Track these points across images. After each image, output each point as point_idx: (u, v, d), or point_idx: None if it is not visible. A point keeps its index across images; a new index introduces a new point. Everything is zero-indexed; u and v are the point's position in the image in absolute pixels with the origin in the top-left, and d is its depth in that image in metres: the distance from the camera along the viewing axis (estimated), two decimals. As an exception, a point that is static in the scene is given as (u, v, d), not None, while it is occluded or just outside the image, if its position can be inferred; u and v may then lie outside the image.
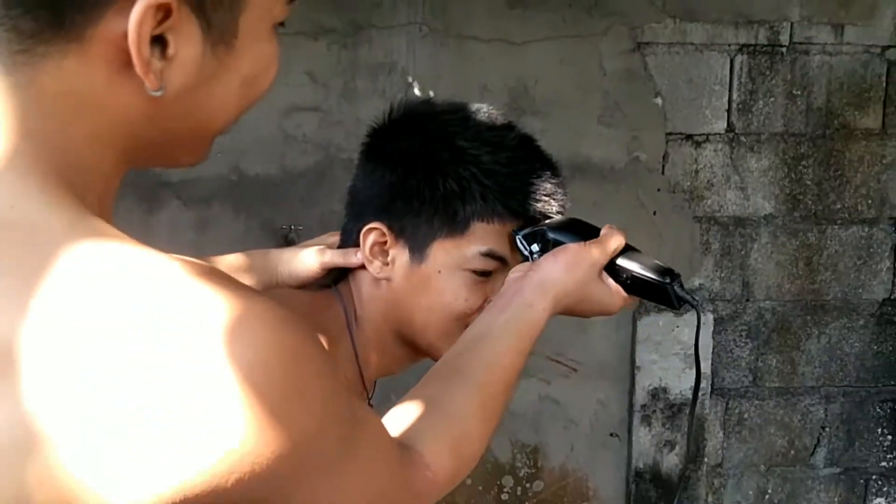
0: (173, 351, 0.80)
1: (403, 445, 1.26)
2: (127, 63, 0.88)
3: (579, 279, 1.57)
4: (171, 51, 0.89)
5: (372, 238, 1.70)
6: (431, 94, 4.03)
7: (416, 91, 4.04)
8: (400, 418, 1.36)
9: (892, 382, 4.38)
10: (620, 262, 1.64)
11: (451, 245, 1.72)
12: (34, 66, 0.88)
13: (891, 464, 4.44)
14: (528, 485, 4.36)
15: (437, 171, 1.69)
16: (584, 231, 1.67)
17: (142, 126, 0.96)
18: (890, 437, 4.41)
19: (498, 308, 1.53)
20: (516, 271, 1.63)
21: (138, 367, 0.79)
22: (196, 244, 4.04)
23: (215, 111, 1.01)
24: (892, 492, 4.47)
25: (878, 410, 4.39)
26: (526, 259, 1.68)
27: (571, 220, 1.73)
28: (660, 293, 1.65)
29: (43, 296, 0.81)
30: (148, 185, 3.98)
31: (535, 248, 1.68)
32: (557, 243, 1.67)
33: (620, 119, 4.10)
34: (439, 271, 1.73)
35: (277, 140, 4.04)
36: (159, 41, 0.87)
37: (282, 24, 1.03)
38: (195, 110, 0.99)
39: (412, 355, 1.87)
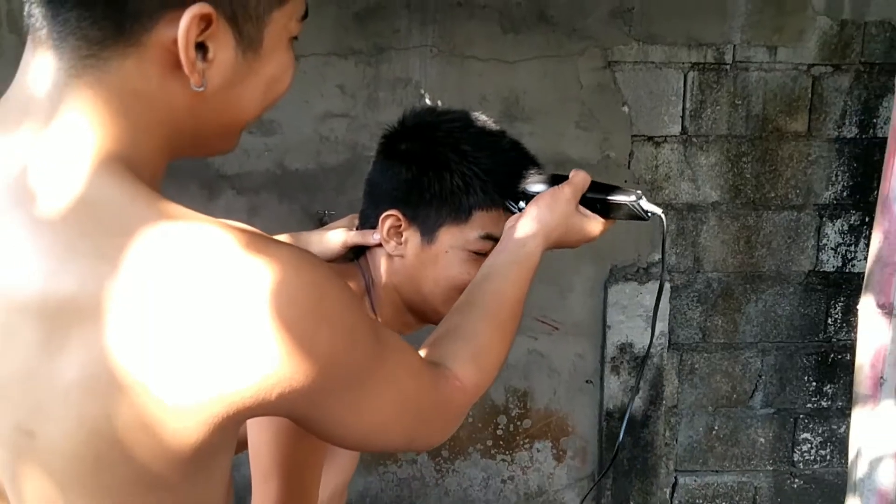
0: (220, 296, 0.88)
1: (433, 363, 1.31)
2: (175, 64, 0.97)
3: (560, 214, 1.61)
4: (210, 54, 0.98)
5: (389, 223, 1.78)
6: (439, 103, 4.15)
7: (427, 101, 4.18)
8: (428, 347, 1.40)
9: (816, 338, 4.56)
10: (591, 194, 1.69)
11: (456, 230, 1.80)
12: (100, 68, 0.95)
13: (815, 405, 4.63)
14: (518, 423, 4.55)
15: (445, 169, 1.76)
16: (557, 180, 1.72)
17: (185, 117, 1.04)
18: (815, 384, 4.61)
19: (497, 252, 1.59)
20: (510, 222, 1.69)
21: (195, 309, 0.87)
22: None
23: (245, 106, 1.09)
24: (816, 428, 4.66)
25: (805, 361, 4.58)
26: None
27: (546, 175, 1.80)
28: (629, 210, 1.70)
29: (114, 255, 0.88)
30: (209, 177, 4.15)
31: (521, 204, 1.75)
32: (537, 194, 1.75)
33: (594, 124, 4.26)
34: (446, 251, 1.81)
35: (314, 141, 4.21)
36: (201, 47, 0.96)
37: (295, 37, 1.13)
38: (229, 105, 1.07)
39: (418, 320, 1.97)
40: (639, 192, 1.71)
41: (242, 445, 1.82)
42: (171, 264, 0.88)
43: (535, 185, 1.77)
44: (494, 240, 1.81)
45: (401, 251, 1.80)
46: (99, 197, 0.91)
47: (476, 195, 1.80)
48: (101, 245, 0.88)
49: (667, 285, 4.41)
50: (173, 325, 0.86)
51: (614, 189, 1.72)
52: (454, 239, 1.82)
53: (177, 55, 0.94)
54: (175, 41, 0.93)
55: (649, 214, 1.69)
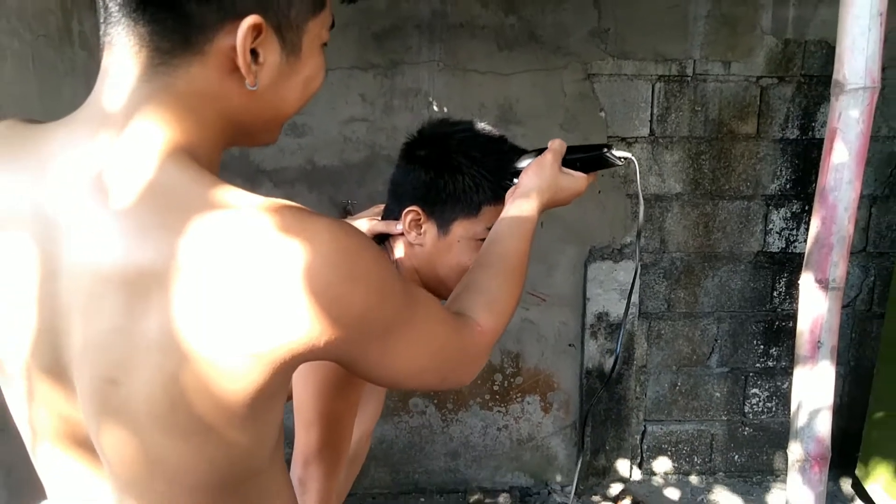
0: (270, 261, 0.89)
1: (456, 313, 1.30)
2: (232, 68, 0.99)
3: (546, 177, 1.59)
4: (261, 59, 1.01)
5: (410, 217, 1.78)
6: (445, 109, 4.29)
7: (435, 107, 4.30)
8: (449, 303, 1.39)
9: (764, 309, 4.69)
10: (570, 156, 1.68)
11: (468, 223, 1.81)
12: (169, 74, 0.97)
13: (763, 365, 4.77)
14: (511, 380, 4.70)
15: (458, 172, 1.76)
16: (540, 152, 1.71)
17: (240, 112, 1.05)
18: (762, 347, 4.75)
19: (500, 219, 1.55)
20: (508, 194, 1.67)
21: (250, 273, 0.88)
22: (282, 213, 4.38)
23: (288, 101, 1.10)
24: (763, 384, 4.80)
25: (754, 328, 4.72)
26: None
27: (530, 151, 1.78)
28: (604, 161, 1.68)
29: (182, 228, 0.89)
30: (250, 172, 4.27)
31: (515, 180, 1.71)
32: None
33: (576, 126, 4.37)
34: (458, 241, 1.81)
35: (339, 141, 4.32)
36: (253, 52, 0.99)
37: (325, 44, 1.13)
38: (275, 100, 1.08)
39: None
40: (609, 143, 1.71)
41: (288, 397, 1.94)
42: (229, 234, 0.89)
43: (523, 161, 1.76)
44: None
45: (420, 241, 1.81)
46: (167, 182, 0.93)
47: (484, 193, 1.80)
48: (170, 221, 0.90)
49: (638, 264, 4.51)
50: (233, 287, 0.88)
51: (589, 147, 1.71)
52: (465, 230, 1.83)
53: (234, 60, 0.98)
54: (233, 48, 0.96)
55: (621, 160, 1.69)
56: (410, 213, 1.81)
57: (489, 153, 1.84)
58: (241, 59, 0.97)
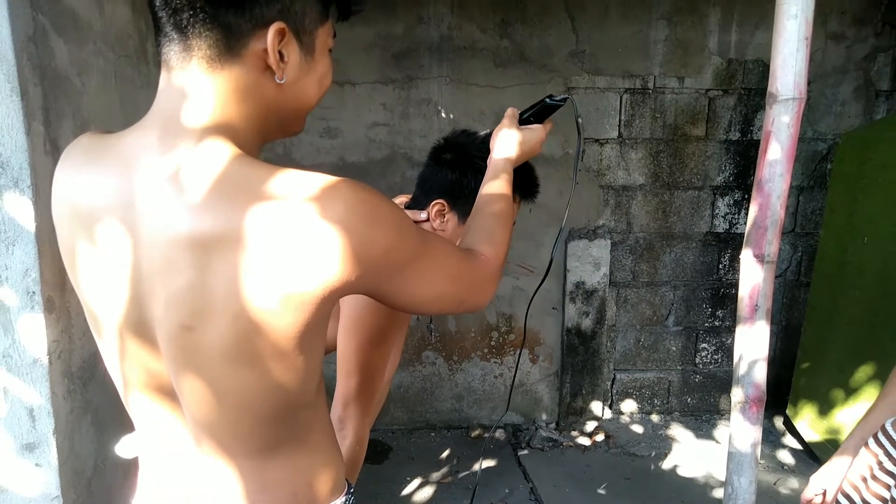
0: (306, 216, 0.91)
1: (465, 249, 1.30)
2: (264, 67, 1.02)
3: (507, 139, 1.58)
4: (286, 58, 1.03)
5: (437, 208, 1.81)
6: (451, 116, 4.30)
7: (443, 114, 4.30)
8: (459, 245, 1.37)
9: (711, 279, 4.69)
10: (523, 115, 1.68)
11: None
12: (216, 75, 1.00)
13: (710, 325, 4.78)
14: (505, 336, 4.70)
15: (479, 173, 1.72)
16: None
17: (274, 103, 1.07)
18: (710, 310, 4.75)
19: (486, 180, 1.53)
20: (488, 163, 1.62)
21: (292, 227, 0.91)
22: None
23: (309, 94, 1.12)
24: (711, 340, 4.81)
25: (703, 294, 4.73)
26: None
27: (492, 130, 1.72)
28: (548, 108, 1.69)
29: (235, 201, 0.93)
30: (291, 167, 4.25)
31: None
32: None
33: (557, 130, 4.25)
34: None
35: (364, 142, 4.32)
36: (279, 53, 1.02)
37: (330, 50, 1.15)
38: (299, 93, 1.10)
39: None
40: (550, 94, 1.71)
41: (332, 348, 1.97)
42: (271, 201, 0.92)
43: (489, 134, 1.73)
44: None
45: (443, 227, 1.83)
46: (223, 167, 0.96)
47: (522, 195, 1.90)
48: (225, 195, 0.94)
49: (608, 241, 4.53)
50: (277, 241, 0.92)
51: (535, 104, 1.70)
52: None
53: (265, 60, 1.01)
54: (264, 50, 1.00)
55: (561, 100, 1.69)
56: (437, 204, 1.83)
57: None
58: (272, 58, 1.01)
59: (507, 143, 1.58)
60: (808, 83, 2.22)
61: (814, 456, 4.24)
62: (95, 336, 1.14)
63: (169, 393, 1.10)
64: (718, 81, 4.43)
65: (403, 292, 1.10)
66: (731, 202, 4.62)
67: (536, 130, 1.64)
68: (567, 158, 4.45)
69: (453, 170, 1.84)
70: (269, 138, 1.14)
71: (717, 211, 4.63)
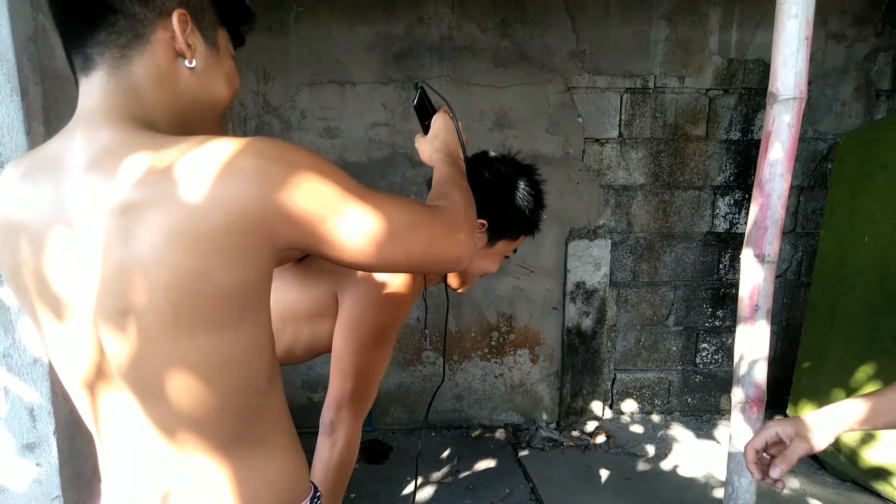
0: (222, 168, 0.91)
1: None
2: (174, 54, 1.05)
3: (427, 142, 1.57)
4: (193, 46, 1.06)
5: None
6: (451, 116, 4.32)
7: None
8: None
9: (711, 278, 4.69)
10: (424, 124, 1.66)
11: (508, 244, 1.94)
12: (129, 63, 1.02)
13: (711, 324, 4.77)
14: (506, 336, 4.70)
15: (523, 211, 1.87)
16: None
17: (188, 92, 1.08)
18: (710, 309, 4.75)
19: (435, 171, 1.47)
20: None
21: (211, 183, 0.91)
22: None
23: (220, 90, 1.12)
24: (711, 340, 4.80)
25: (703, 294, 4.72)
26: None
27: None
28: (420, 105, 1.66)
29: (157, 166, 0.93)
30: None
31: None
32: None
33: (558, 130, 4.39)
34: (496, 253, 1.95)
35: (365, 142, 4.32)
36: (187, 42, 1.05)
37: (233, 58, 1.16)
38: (210, 84, 1.11)
39: (461, 283, 2.06)
40: (418, 83, 1.69)
41: (326, 349, 1.95)
42: (191, 156, 0.92)
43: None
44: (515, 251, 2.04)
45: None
46: (141, 140, 0.97)
47: (528, 229, 1.95)
48: (146, 164, 0.93)
49: (609, 240, 4.52)
50: (198, 192, 0.91)
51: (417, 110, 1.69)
52: (504, 248, 1.96)
53: (174, 46, 1.04)
54: (172, 36, 1.03)
55: (418, 89, 1.67)
56: (478, 225, 1.84)
57: (539, 205, 1.93)
58: (181, 41, 1.04)
59: (430, 147, 1.58)
60: (809, 83, 2.21)
61: (814, 456, 4.21)
62: (47, 345, 1.12)
63: (120, 395, 1.07)
64: (719, 81, 4.42)
65: (347, 242, 1.01)
66: (732, 202, 4.62)
67: (435, 121, 1.62)
68: (567, 158, 4.45)
69: (502, 198, 1.87)
70: (191, 133, 1.10)
71: (717, 211, 4.62)
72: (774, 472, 1.49)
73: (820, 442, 1.48)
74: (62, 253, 1.00)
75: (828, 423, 1.50)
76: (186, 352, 0.98)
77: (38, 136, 1.81)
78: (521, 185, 1.89)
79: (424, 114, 1.67)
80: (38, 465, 1.93)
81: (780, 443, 1.53)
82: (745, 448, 1.57)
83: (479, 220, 1.85)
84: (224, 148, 0.93)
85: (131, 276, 0.94)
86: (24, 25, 1.78)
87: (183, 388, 1.01)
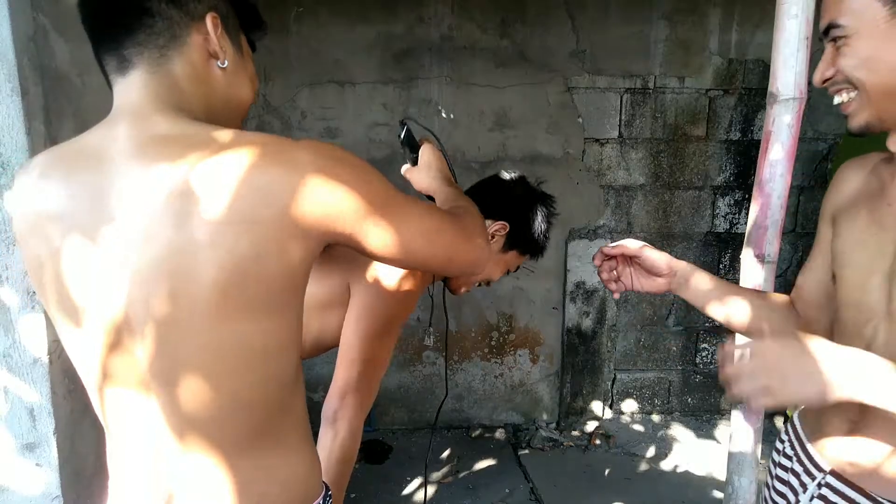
0: (276, 160, 0.97)
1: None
2: (208, 55, 1.10)
3: (418, 175, 1.60)
4: (223, 46, 1.11)
5: (498, 227, 2.00)
6: (451, 116, 4.30)
7: (443, 114, 4.30)
8: None
9: None
10: (412, 156, 1.67)
11: (517, 256, 2.09)
12: (168, 61, 1.07)
13: (711, 324, 4.77)
14: (506, 336, 4.70)
15: (545, 233, 2.10)
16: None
17: (220, 90, 1.13)
18: None
19: (438, 195, 1.52)
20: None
21: (265, 172, 0.96)
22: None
23: (245, 91, 1.18)
24: (711, 340, 4.81)
25: None
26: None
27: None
28: (407, 140, 1.69)
29: (213, 155, 0.97)
30: None
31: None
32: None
33: (558, 130, 4.39)
34: (504, 262, 2.09)
35: (365, 142, 4.31)
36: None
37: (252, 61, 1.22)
38: (239, 84, 1.16)
39: (452, 284, 2.15)
40: (402, 120, 1.72)
41: (328, 348, 2.03)
42: (246, 148, 0.97)
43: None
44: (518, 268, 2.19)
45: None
46: (191, 129, 1.02)
47: (539, 250, 2.14)
48: (200, 152, 0.98)
49: (609, 240, 4.39)
50: (252, 182, 0.96)
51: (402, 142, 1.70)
52: (512, 259, 2.11)
53: (207, 48, 1.09)
54: (206, 38, 1.09)
55: (401, 126, 1.71)
56: (501, 226, 2.03)
57: (548, 235, 2.16)
58: (214, 42, 1.09)
59: (426, 177, 1.60)
60: (809, 83, 2.22)
61: (814, 456, 4.19)
62: (67, 340, 1.13)
63: (146, 388, 1.08)
64: (719, 81, 4.43)
65: (382, 239, 1.09)
66: (732, 202, 4.62)
67: (424, 152, 1.65)
68: (567, 158, 4.45)
69: (532, 212, 2.07)
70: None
71: (717, 211, 4.62)
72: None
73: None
74: (97, 243, 1.02)
75: (682, 270, 1.81)
76: (224, 337, 1.01)
77: (38, 136, 1.80)
78: (544, 209, 2.10)
79: (412, 147, 1.69)
80: (38, 465, 1.93)
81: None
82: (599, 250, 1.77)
83: (503, 222, 2.01)
84: (280, 141, 0.99)
85: (183, 257, 0.97)
86: (24, 25, 1.78)
87: (214, 378, 1.04)
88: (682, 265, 1.80)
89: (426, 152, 1.64)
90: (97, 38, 1.08)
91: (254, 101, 1.23)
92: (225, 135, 1.00)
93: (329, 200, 0.99)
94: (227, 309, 0.99)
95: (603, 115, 4.44)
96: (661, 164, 4.54)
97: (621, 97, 4.42)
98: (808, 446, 1.46)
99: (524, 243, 2.11)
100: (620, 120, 4.45)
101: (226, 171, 0.96)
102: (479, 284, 2.26)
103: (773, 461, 1.62)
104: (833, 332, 1.43)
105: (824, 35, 1.32)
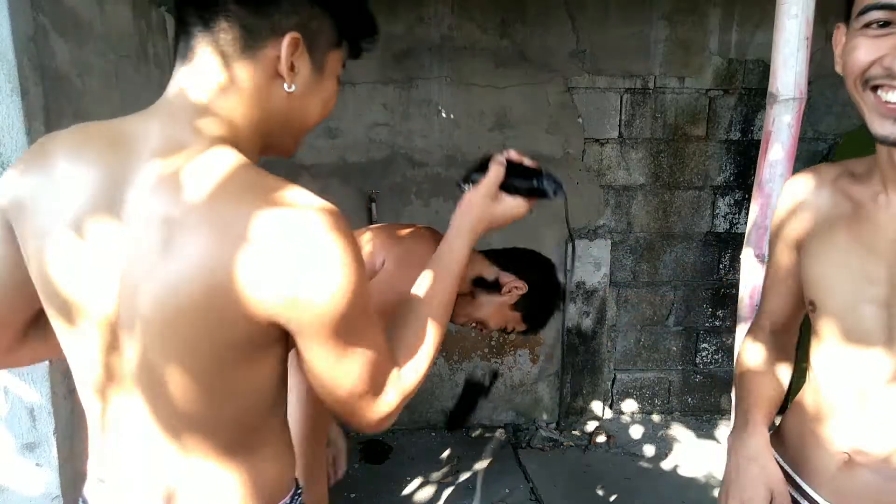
0: (270, 234, 0.91)
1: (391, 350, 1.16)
2: (276, 73, 1.05)
3: (476, 214, 1.37)
4: (297, 69, 1.06)
5: (520, 283, 2.16)
6: (452, 116, 4.30)
7: (443, 115, 4.30)
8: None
9: (711, 278, 4.68)
10: (512, 180, 1.41)
11: (517, 320, 2.25)
12: (228, 70, 1.03)
13: (710, 324, 4.77)
14: (505, 336, 4.65)
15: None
16: (483, 168, 1.42)
17: (278, 113, 1.08)
18: (710, 309, 4.75)
19: (438, 254, 1.37)
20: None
21: (255, 236, 0.91)
22: (319, 201, 4.42)
23: (311, 113, 1.13)
24: (711, 340, 4.80)
25: (703, 294, 4.72)
26: None
27: (478, 168, 1.45)
28: (537, 191, 1.43)
29: (223, 197, 0.93)
30: (293, 167, 4.22)
31: (465, 186, 1.46)
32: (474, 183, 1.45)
33: (558, 130, 4.39)
34: (505, 317, 2.23)
35: (365, 142, 4.31)
36: (291, 64, 1.05)
37: (338, 78, 1.16)
38: (304, 108, 1.11)
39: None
40: (541, 170, 1.46)
41: None
42: (255, 204, 0.93)
43: (467, 184, 1.45)
44: None
45: (496, 302, 2.19)
46: (215, 162, 0.97)
47: (535, 327, 2.31)
48: (212, 190, 0.94)
49: (608, 241, 4.54)
50: (244, 244, 0.91)
51: (528, 173, 1.45)
52: (512, 321, 2.26)
53: (277, 67, 1.04)
54: (278, 57, 1.03)
55: (554, 192, 1.44)
56: (522, 284, 2.16)
57: (546, 321, 2.32)
58: (284, 65, 1.04)
59: (469, 220, 1.40)
60: (809, 83, 2.21)
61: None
62: (62, 335, 1.11)
63: (135, 388, 1.06)
64: (719, 81, 4.42)
65: (319, 363, 1.03)
66: (732, 202, 4.61)
67: (515, 207, 1.44)
68: (567, 158, 4.45)
69: (553, 287, 2.31)
70: (268, 150, 1.14)
71: (717, 211, 4.62)
72: None
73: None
74: (99, 238, 1.00)
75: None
76: (205, 347, 0.99)
77: (38, 136, 1.77)
78: (559, 303, 2.42)
79: (528, 192, 1.44)
80: (38, 465, 1.94)
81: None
82: None
83: (524, 282, 2.16)
84: (293, 211, 0.94)
85: (163, 286, 0.95)
86: (24, 25, 1.78)
87: (184, 402, 1.02)
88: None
89: (513, 207, 1.43)
90: (178, 19, 1.06)
91: (321, 121, 1.18)
92: (240, 177, 0.96)
93: (298, 299, 0.95)
94: (198, 347, 0.98)
95: (603, 115, 4.43)
96: (661, 164, 4.53)
97: (621, 97, 4.41)
98: (797, 479, 1.44)
99: (530, 312, 2.23)
100: (620, 120, 4.44)
101: (225, 218, 0.93)
102: (474, 326, 2.32)
103: None
104: (814, 365, 1.42)
105: (870, 12, 1.12)
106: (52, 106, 1.92)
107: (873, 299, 1.22)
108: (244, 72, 1.03)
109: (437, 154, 4.38)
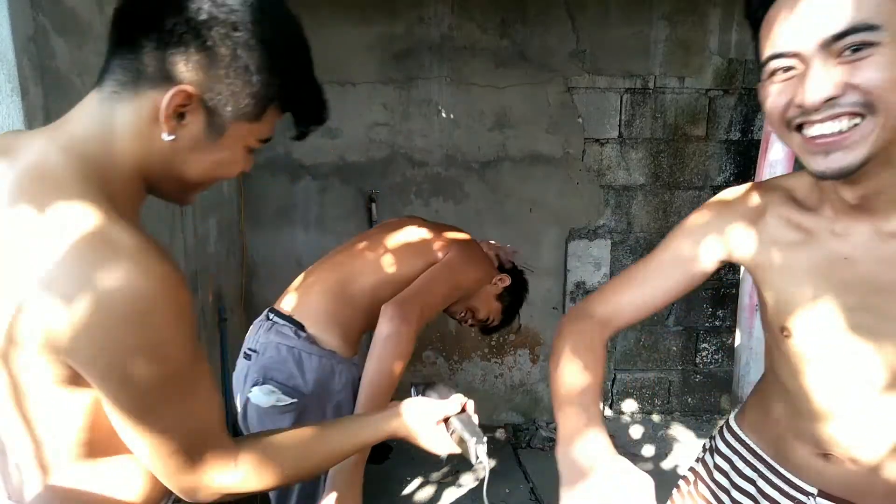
0: (72, 287, 0.89)
1: (232, 440, 1.17)
2: (156, 118, 1.01)
3: (420, 425, 1.53)
4: (185, 121, 1.03)
5: (504, 276, 2.50)
6: (452, 116, 4.29)
7: (443, 114, 4.29)
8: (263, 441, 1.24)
9: (711, 278, 4.47)
10: (454, 419, 1.54)
11: (498, 311, 2.61)
12: (118, 101, 1.01)
13: (711, 324, 4.76)
14: (506, 336, 4.69)
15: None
16: (444, 392, 1.60)
17: (157, 158, 1.04)
18: (710, 309, 4.74)
19: (355, 426, 1.48)
20: (400, 405, 1.60)
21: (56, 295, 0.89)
22: (319, 202, 4.33)
23: (194, 170, 1.08)
24: (711, 340, 4.79)
25: (704, 294, 4.72)
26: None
27: (440, 388, 1.64)
28: (465, 449, 1.52)
29: (45, 236, 0.90)
30: (293, 167, 4.26)
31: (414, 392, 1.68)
32: (424, 394, 1.68)
33: (558, 130, 4.38)
34: (490, 306, 2.56)
35: (365, 141, 4.32)
36: (181, 115, 1.02)
37: (251, 149, 1.13)
38: (187, 163, 1.06)
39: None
40: (485, 440, 1.53)
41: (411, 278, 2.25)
42: (65, 245, 0.90)
43: (428, 391, 1.68)
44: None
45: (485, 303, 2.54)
46: (57, 195, 0.94)
47: (510, 319, 2.70)
48: (41, 226, 0.92)
49: (609, 240, 4.53)
50: (47, 294, 0.89)
51: (471, 427, 1.53)
52: (496, 312, 2.61)
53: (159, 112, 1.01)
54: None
55: (477, 460, 1.51)
56: (503, 282, 2.55)
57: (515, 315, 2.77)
58: (162, 111, 1.00)
59: (407, 428, 1.55)
60: (809, 83, 2.20)
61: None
62: None
63: None
64: (719, 81, 4.42)
65: (124, 414, 0.99)
66: (732, 202, 4.56)
67: (443, 443, 1.57)
68: (567, 158, 4.44)
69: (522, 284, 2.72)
70: (154, 192, 1.12)
71: (717, 211, 4.56)
72: None
73: None
74: None
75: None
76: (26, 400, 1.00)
77: (38, 136, 1.79)
78: (524, 297, 2.67)
79: (466, 427, 1.54)
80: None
81: None
82: None
83: (507, 276, 2.51)
84: (101, 263, 0.90)
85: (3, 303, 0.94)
86: (24, 25, 1.78)
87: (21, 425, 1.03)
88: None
89: (439, 444, 1.58)
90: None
91: (213, 183, 1.15)
92: (72, 225, 0.92)
93: (87, 356, 0.93)
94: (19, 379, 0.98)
95: (603, 115, 4.43)
96: (661, 164, 4.53)
97: (621, 97, 4.41)
98: (780, 469, 1.45)
99: (509, 304, 2.57)
100: (620, 120, 4.44)
101: (56, 263, 0.90)
102: (464, 314, 2.54)
103: (719, 478, 1.62)
104: (784, 379, 1.39)
105: (830, 42, 1.04)
106: (52, 106, 1.91)
107: (851, 326, 1.22)
108: (131, 103, 1.01)
109: (437, 154, 4.39)
